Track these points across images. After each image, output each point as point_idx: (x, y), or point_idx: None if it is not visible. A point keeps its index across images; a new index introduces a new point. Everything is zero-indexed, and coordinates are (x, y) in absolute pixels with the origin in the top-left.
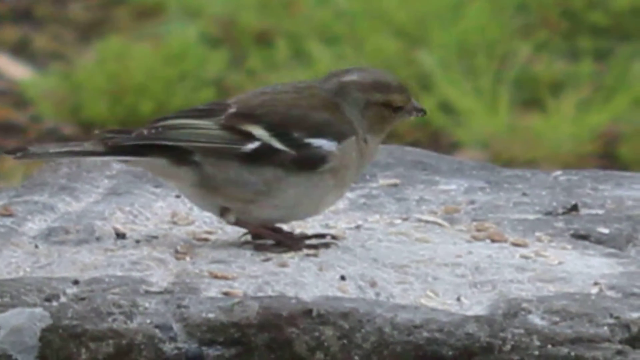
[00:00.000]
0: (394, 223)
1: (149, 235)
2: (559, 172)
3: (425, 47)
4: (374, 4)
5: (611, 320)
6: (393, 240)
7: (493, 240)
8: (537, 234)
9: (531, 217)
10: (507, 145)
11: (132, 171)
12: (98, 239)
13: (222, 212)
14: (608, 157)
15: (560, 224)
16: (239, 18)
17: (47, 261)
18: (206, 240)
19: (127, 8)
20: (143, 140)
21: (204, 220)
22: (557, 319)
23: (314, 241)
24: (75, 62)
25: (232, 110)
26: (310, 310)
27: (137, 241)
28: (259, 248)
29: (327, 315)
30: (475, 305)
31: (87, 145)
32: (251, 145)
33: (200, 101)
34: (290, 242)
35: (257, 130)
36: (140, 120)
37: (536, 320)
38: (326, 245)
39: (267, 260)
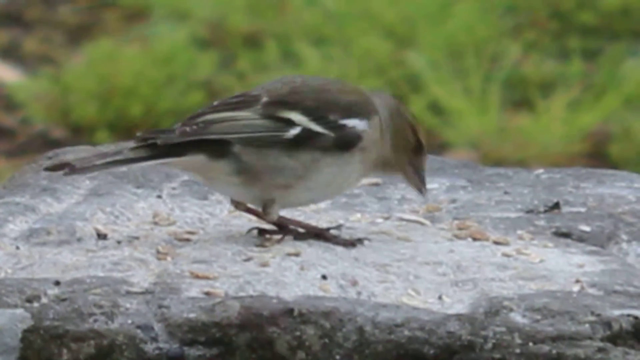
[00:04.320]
0: (375, 222)
1: (130, 235)
2: (541, 171)
3: (414, 47)
4: (362, 5)
5: (592, 318)
6: (374, 239)
7: (474, 239)
8: (519, 232)
9: (513, 215)
10: (497, 146)
11: (113, 172)
12: (79, 239)
13: (264, 210)
14: (598, 157)
15: (541, 222)
16: (228, 20)
17: (28, 262)
18: (187, 240)
19: (116, 11)
20: (189, 137)
21: (185, 220)
22: (538, 316)
23: (353, 236)
24: (64, 65)
25: (266, 99)
26: (292, 310)
27: (119, 242)
28: (298, 238)
29: (308, 314)
30: (457, 303)
31: (128, 152)
32: (293, 131)
33: (190, 103)
34: (329, 236)
35: (296, 116)
36: (129, 122)
37: (517, 318)
38: (361, 242)
39: (248, 260)
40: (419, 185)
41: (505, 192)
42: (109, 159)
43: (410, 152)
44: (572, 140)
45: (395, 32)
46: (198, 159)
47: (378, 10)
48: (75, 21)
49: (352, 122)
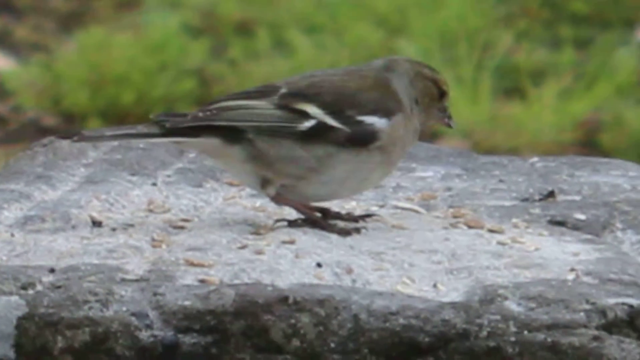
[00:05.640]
0: (370, 210)
1: (125, 223)
2: (536, 159)
3: (406, 36)
4: None
5: (587, 306)
6: (369, 227)
7: (470, 227)
8: (514, 220)
9: (508, 203)
10: (489, 134)
11: (109, 159)
12: (74, 227)
13: (263, 184)
14: (589, 145)
15: (537, 211)
16: (220, 8)
17: (23, 249)
18: (182, 228)
19: None
20: (199, 122)
21: (180, 208)
22: (533, 305)
23: (348, 225)
24: (56, 53)
25: (284, 90)
26: (287, 298)
27: (113, 229)
28: (292, 225)
29: (303, 302)
30: (452, 291)
31: (142, 128)
32: (307, 124)
33: (182, 91)
34: (325, 224)
35: (312, 109)
36: (121, 110)
37: (512, 306)
38: (358, 231)
39: (243, 247)
40: (449, 122)
41: (500, 181)
42: (120, 132)
43: (437, 102)
44: (563, 128)
45: (388, 21)
46: (212, 142)
47: None
48: (67, 8)
49: (371, 120)
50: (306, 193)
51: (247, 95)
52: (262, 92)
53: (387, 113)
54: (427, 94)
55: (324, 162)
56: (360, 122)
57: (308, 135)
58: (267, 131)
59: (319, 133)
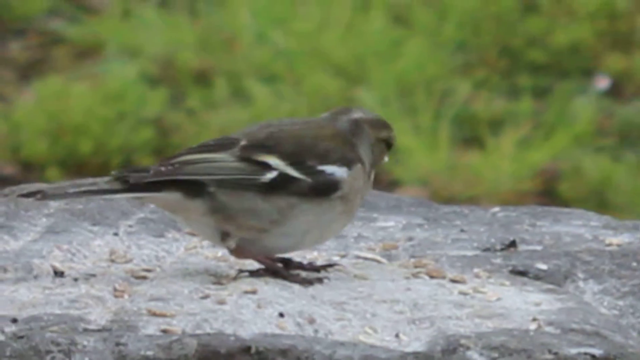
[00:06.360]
0: (332, 260)
1: (87, 273)
2: (497, 209)
3: (365, 85)
4: (312, 43)
5: (549, 356)
6: (331, 277)
7: (431, 277)
8: (476, 270)
9: (469, 253)
10: (447, 183)
11: (70, 209)
12: (36, 277)
13: (223, 238)
14: (548, 194)
15: (498, 260)
16: (178, 57)
17: None
18: (144, 278)
19: (66, 47)
20: (162, 177)
21: (142, 258)
22: (495, 355)
23: (310, 275)
24: (14, 102)
25: (244, 142)
26: (249, 348)
27: (76, 279)
28: (254, 275)
29: (265, 352)
30: (414, 341)
31: (103, 184)
32: (270, 175)
33: (140, 141)
34: (286, 274)
35: (273, 160)
36: (79, 160)
37: (475, 356)
38: (320, 281)
39: (205, 297)
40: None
41: (462, 230)
42: (82, 189)
43: (385, 153)
44: (522, 178)
45: (346, 70)
46: (173, 196)
47: (328, 48)
48: (26, 58)
49: (331, 169)
50: (268, 245)
51: (208, 148)
52: (221, 145)
53: (347, 163)
54: (380, 154)
55: (285, 213)
56: (321, 172)
57: (270, 187)
58: (230, 184)
59: (281, 184)
